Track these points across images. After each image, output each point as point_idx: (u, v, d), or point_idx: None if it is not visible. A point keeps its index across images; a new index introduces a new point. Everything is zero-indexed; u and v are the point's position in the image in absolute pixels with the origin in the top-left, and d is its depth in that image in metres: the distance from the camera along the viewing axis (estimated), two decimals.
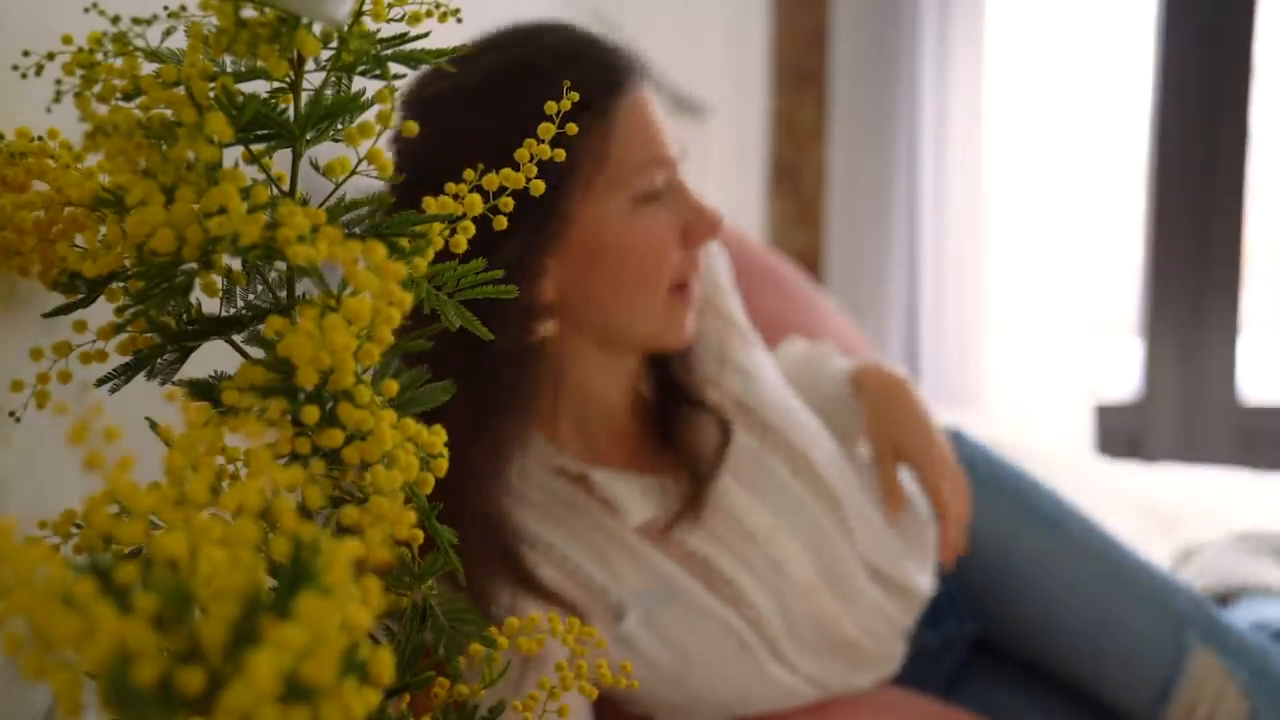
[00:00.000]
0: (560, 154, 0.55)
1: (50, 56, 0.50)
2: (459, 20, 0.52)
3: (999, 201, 2.63)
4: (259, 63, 0.47)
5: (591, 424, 0.95)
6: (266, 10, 0.47)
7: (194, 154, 0.45)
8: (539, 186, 0.54)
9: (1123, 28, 2.75)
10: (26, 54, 0.51)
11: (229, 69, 0.50)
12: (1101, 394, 2.76)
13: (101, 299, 0.51)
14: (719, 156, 2.60)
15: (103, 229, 0.49)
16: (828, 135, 2.81)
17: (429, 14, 0.51)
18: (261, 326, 0.49)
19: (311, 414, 0.42)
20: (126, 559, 0.38)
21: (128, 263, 0.48)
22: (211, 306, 0.52)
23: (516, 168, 0.53)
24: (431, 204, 0.52)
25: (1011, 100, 2.60)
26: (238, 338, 0.52)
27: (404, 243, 0.50)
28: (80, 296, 0.51)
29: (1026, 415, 2.63)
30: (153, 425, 0.46)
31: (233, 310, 0.52)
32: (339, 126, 0.51)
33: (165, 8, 0.51)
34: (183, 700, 0.32)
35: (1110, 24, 2.71)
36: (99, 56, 0.49)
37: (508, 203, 0.54)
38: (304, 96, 0.50)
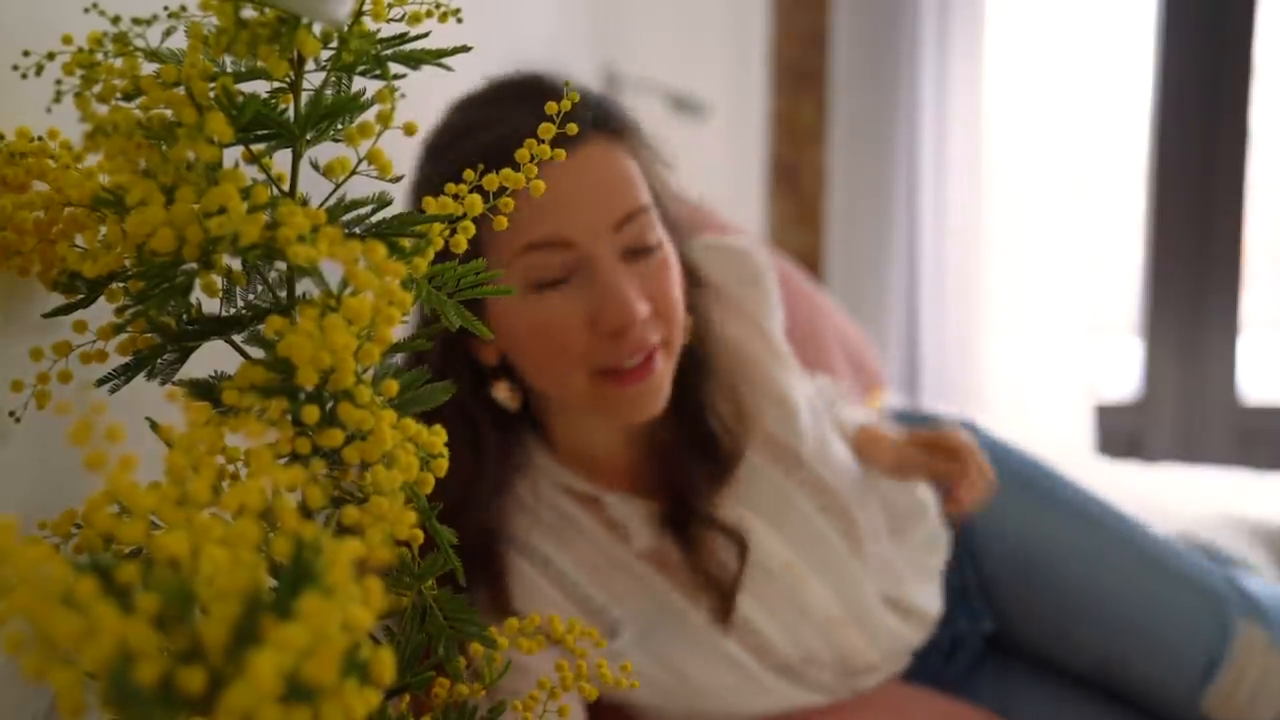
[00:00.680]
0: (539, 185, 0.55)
1: (50, 56, 0.50)
2: (459, 20, 0.52)
3: (999, 201, 2.63)
4: (259, 63, 0.47)
5: (593, 460, 0.94)
6: (266, 10, 0.47)
7: (194, 154, 0.45)
8: (539, 187, 0.54)
9: (1123, 28, 2.75)
10: (26, 54, 0.51)
11: (229, 69, 0.50)
12: (1101, 394, 2.76)
13: (101, 299, 0.51)
14: (719, 156, 2.60)
15: (103, 229, 0.49)
16: (828, 135, 2.81)
17: (429, 14, 0.51)
18: (261, 326, 0.49)
19: (311, 414, 0.42)
20: (127, 559, 0.38)
21: (128, 263, 0.48)
22: (211, 306, 0.52)
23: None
24: (431, 204, 0.52)
25: (1011, 100, 2.60)
26: (238, 338, 0.52)
27: (404, 243, 0.50)
28: (80, 296, 0.51)
29: (1026, 415, 2.63)
30: (153, 425, 0.46)
31: (233, 310, 0.52)
32: (339, 126, 0.51)
33: (165, 8, 0.51)
34: (184, 700, 0.32)
35: (1110, 24, 2.71)
36: (99, 56, 0.49)
37: (508, 203, 0.54)
38: (304, 96, 0.50)
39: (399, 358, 0.55)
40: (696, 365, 0.91)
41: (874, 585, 0.98)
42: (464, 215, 0.52)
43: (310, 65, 0.50)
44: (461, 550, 0.54)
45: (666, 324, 0.84)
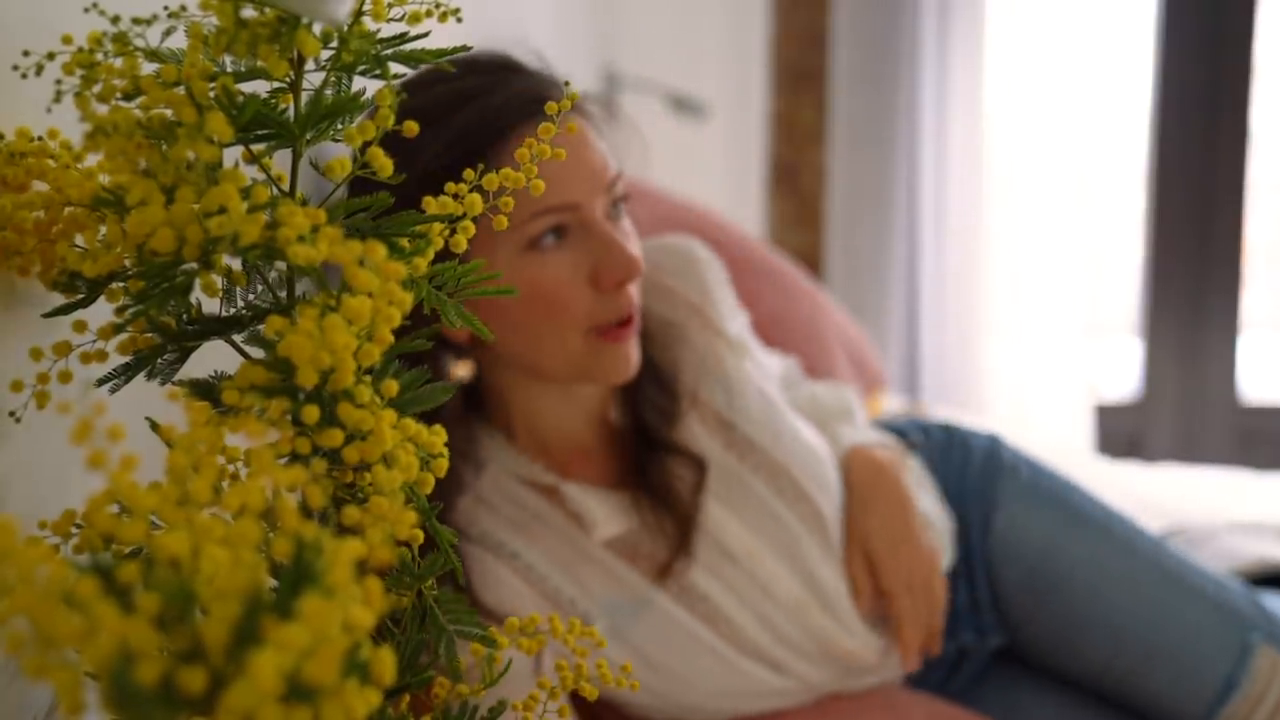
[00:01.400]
0: (561, 153, 0.55)
1: (50, 56, 0.50)
2: (459, 20, 0.52)
3: (999, 202, 2.63)
4: (259, 63, 0.47)
5: (553, 445, 0.95)
6: (266, 10, 0.47)
7: (194, 154, 0.45)
8: (539, 187, 0.54)
9: (1123, 28, 2.75)
10: (26, 54, 0.51)
11: (229, 69, 0.50)
12: (1101, 394, 2.76)
13: (101, 299, 0.51)
14: (719, 156, 2.60)
15: (103, 229, 0.49)
16: (828, 136, 2.81)
17: (429, 14, 0.51)
18: (261, 326, 0.49)
19: (312, 414, 0.42)
20: (128, 559, 0.38)
21: (128, 263, 0.48)
22: (211, 306, 0.52)
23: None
24: (431, 204, 0.52)
25: (1011, 100, 2.60)
26: (238, 338, 0.52)
27: (404, 243, 0.50)
28: (80, 296, 0.51)
29: (1026, 415, 2.63)
30: (154, 425, 0.46)
31: (233, 310, 0.52)
32: (339, 126, 0.51)
33: (165, 8, 0.51)
34: (184, 700, 0.32)
35: (1110, 24, 2.71)
36: (99, 56, 0.49)
37: (508, 202, 0.54)
38: (304, 96, 0.50)
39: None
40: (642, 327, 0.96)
41: (842, 571, 0.98)
42: (464, 215, 0.52)
43: (310, 65, 0.50)
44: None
45: (638, 285, 0.89)
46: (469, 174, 0.54)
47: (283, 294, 0.52)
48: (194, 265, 0.47)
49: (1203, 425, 2.73)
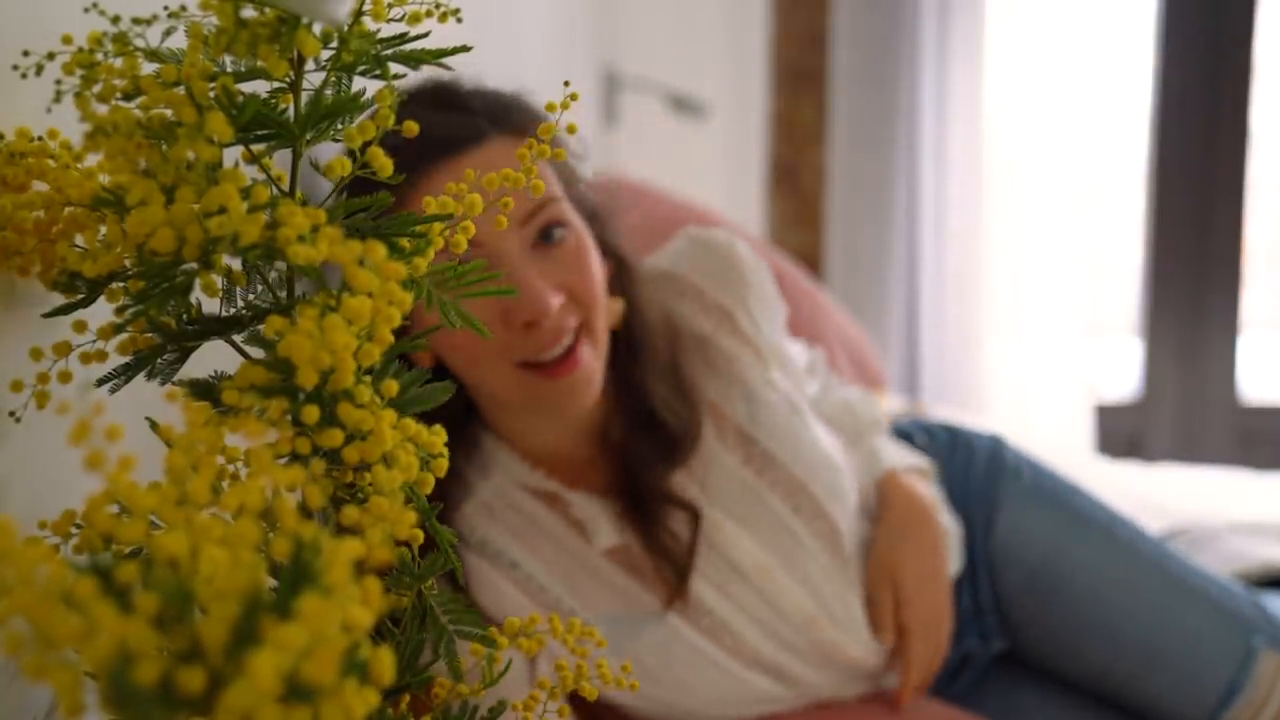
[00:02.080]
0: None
1: (50, 56, 0.50)
2: (459, 20, 0.52)
3: (999, 202, 2.63)
4: (259, 63, 0.47)
5: (552, 456, 0.94)
6: (266, 10, 0.47)
7: (194, 154, 0.45)
8: (540, 187, 0.55)
9: (1123, 28, 2.75)
10: (26, 54, 0.51)
11: (229, 69, 0.50)
12: (1101, 394, 2.76)
13: (101, 299, 0.51)
14: (719, 156, 2.60)
15: (103, 229, 0.49)
16: (828, 136, 2.81)
17: (429, 14, 0.51)
18: (261, 326, 0.49)
19: (311, 414, 0.42)
20: (127, 559, 0.38)
21: (128, 263, 0.48)
22: (211, 306, 0.52)
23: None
24: (432, 204, 0.52)
25: (1011, 101, 2.60)
26: (238, 338, 0.52)
27: (404, 243, 0.50)
28: (80, 296, 0.51)
29: (1026, 415, 2.63)
30: (153, 425, 0.46)
31: (233, 310, 0.52)
32: (339, 126, 0.51)
33: (165, 8, 0.51)
34: (183, 700, 0.32)
35: (1110, 24, 2.71)
36: (99, 56, 0.49)
37: (508, 203, 0.54)
38: (304, 96, 0.50)
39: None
40: (629, 349, 0.92)
41: (857, 587, 0.97)
42: (464, 215, 0.52)
43: (310, 65, 0.50)
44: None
45: (583, 308, 0.85)
46: (469, 174, 0.54)
47: (283, 294, 0.52)
48: (194, 265, 0.47)
49: (1203, 425, 2.73)
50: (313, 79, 0.51)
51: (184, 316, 0.51)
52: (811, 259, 2.82)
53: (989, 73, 2.61)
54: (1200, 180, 2.67)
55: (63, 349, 0.51)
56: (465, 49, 0.55)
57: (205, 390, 0.50)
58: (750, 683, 0.93)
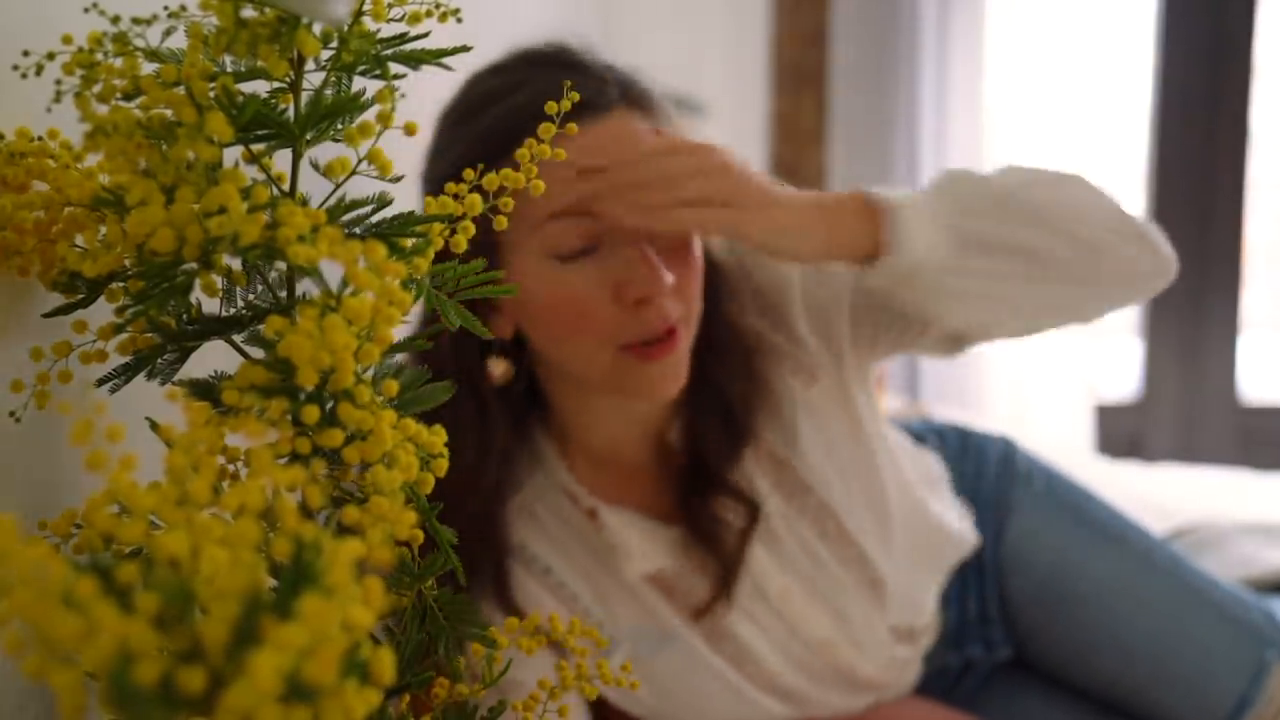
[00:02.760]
0: (560, 153, 0.55)
1: (50, 56, 0.50)
2: (459, 20, 0.52)
3: None
4: (259, 63, 0.47)
5: (605, 460, 0.92)
6: (266, 10, 0.47)
7: (194, 154, 0.44)
8: (539, 187, 0.54)
9: (1123, 28, 2.75)
10: (26, 54, 0.51)
11: (229, 69, 0.50)
12: (1101, 394, 2.76)
13: (101, 299, 0.51)
14: None
15: (103, 229, 0.49)
16: (828, 136, 2.81)
17: (429, 14, 0.51)
18: (261, 326, 0.49)
19: (312, 414, 0.42)
20: (127, 559, 0.38)
21: (128, 263, 0.48)
22: (211, 306, 0.52)
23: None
24: (432, 204, 0.52)
25: (1011, 100, 2.60)
26: (238, 338, 0.52)
27: (404, 242, 0.50)
28: (80, 296, 0.51)
29: (1026, 415, 2.63)
30: (153, 425, 0.46)
31: (233, 310, 0.52)
32: (339, 126, 0.51)
33: (165, 8, 0.51)
34: (184, 700, 0.32)
35: (1110, 24, 2.71)
36: (99, 56, 0.49)
37: (508, 202, 0.54)
38: (304, 96, 0.50)
39: (403, 355, 0.55)
40: (706, 342, 0.89)
41: (883, 615, 0.95)
42: (464, 215, 0.52)
43: (310, 65, 0.50)
44: (463, 548, 0.54)
45: (685, 302, 0.82)
46: (469, 174, 0.54)
47: (283, 294, 0.52)
48: (194, 265, 0.47)
49: (1203, 425, 2.73)
50: (313, 79, 0.51)
51: (184, 316, 0.51)
52: None
53: (989, 73, 2.61)
54: (1200, 180, 2.67)
55: (63, 349, 0.51)
56: (465, 49, 0.55)
57: (205, 390, 0.50)
58: (761, 705, 0.93)
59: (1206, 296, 2.68)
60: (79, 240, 0.51)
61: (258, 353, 0.49)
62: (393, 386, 0.47)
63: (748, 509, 0.90)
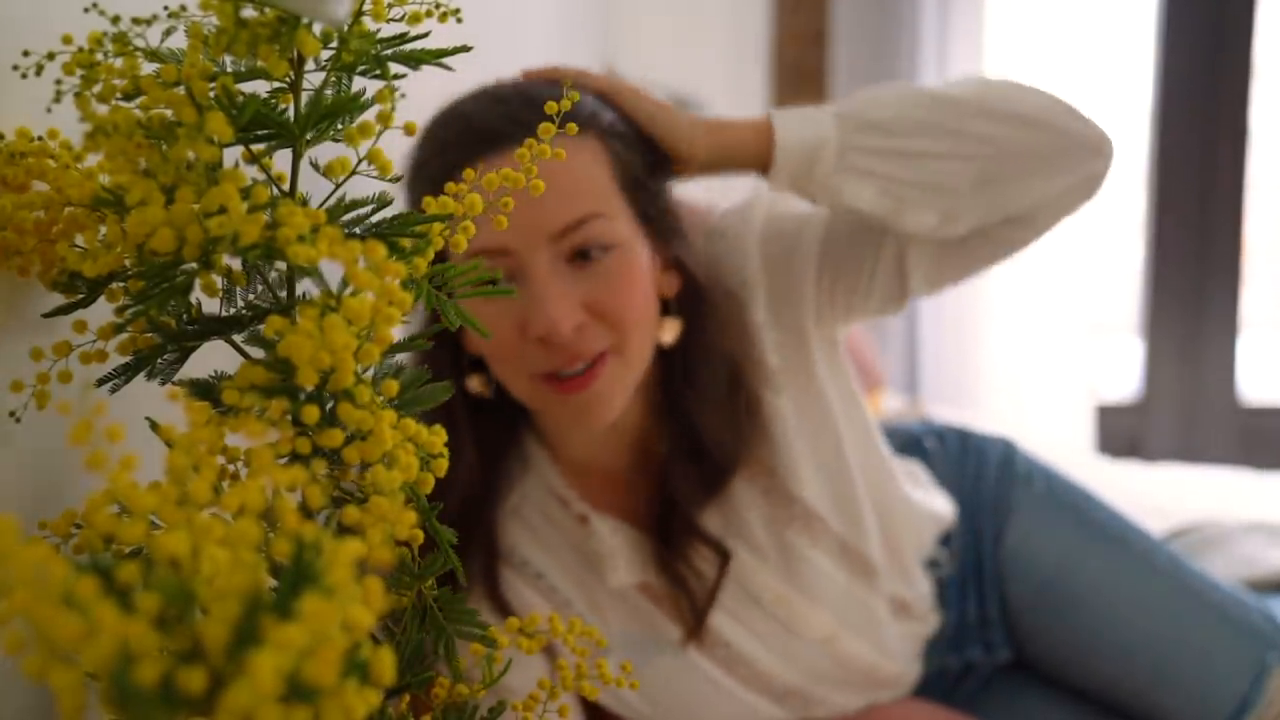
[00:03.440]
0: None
1: (50, 56, 0.50)
2: (459, 20, 0.52)
3: None
4: (259, 63, 0.47)
5: (585, 468, 0.92)
6: (266, 10, 0.47)
7: (194, 154, 0.44)
8: (539, 187, 0.54)
9: (1123, 27, 2.75)
10: (26, 54, 0.51)
11: (229, 69, 0.50)
12: (1101, 394, 2.76)
13: (101, 299, 0.51)
14: None
15: (103, 229, 0.49)
16: None
17: (429, 14, 0.51)
18: (261, 326, 0.49)
19: (312, 414, 0.42)
20: (127, 559, 0.38)
21: (128, 263, 0.48)
22: (211, 306, 0.52)
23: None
24: (431, 204, 0.52)
25: None
26: (238, 338, 0.52)
27: (404, 243, 0.50)
28: (80, 296, 0.51)
29: (1026, 415, 2.63)
30: (153, 425, 0.46)
31: (233, 310, 0.52)
32: (339, 126, 0.51)
33: (165, 8, 0.51)
34: (184, 700, 0.32)
35: (1110, 23, 2.71)
36: (99, 56, 0.49)
37: (508, 203, 0.54)
38: (304, 96, 0.50)
39: (401, 355, 0.55)
40: (683, 371, 0.88)
41: (879, 595, 0.95)
42: (464, 215, 0.52)
43: (310, 65, 0.50)
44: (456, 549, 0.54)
45: (615, 330, 0.81)
46: (469, 173, 0.54)
47: (283, 294, 0.52)
48: (194, 265, 0.47)
49: (1203, 425, 2.73)
50: (313, 79, 0.51)
51: (184, 316, 0.51)
52: None
53: (989, 72, 2.61)
54: (1200, 180, 2.67)
55: (63, 349, 0.51)
56: (465, 49, 0.55)
57: (205, 390, 0.50)
58: (757, 708, 0.93)
59: (1206, 296, 2.68)
60: (79, 240, 0.51)
61: (258, 353, 0.49)
62: (393, 386, 0.47)
63: (717, 555, 0.90)
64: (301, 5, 0.46)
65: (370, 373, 0.48)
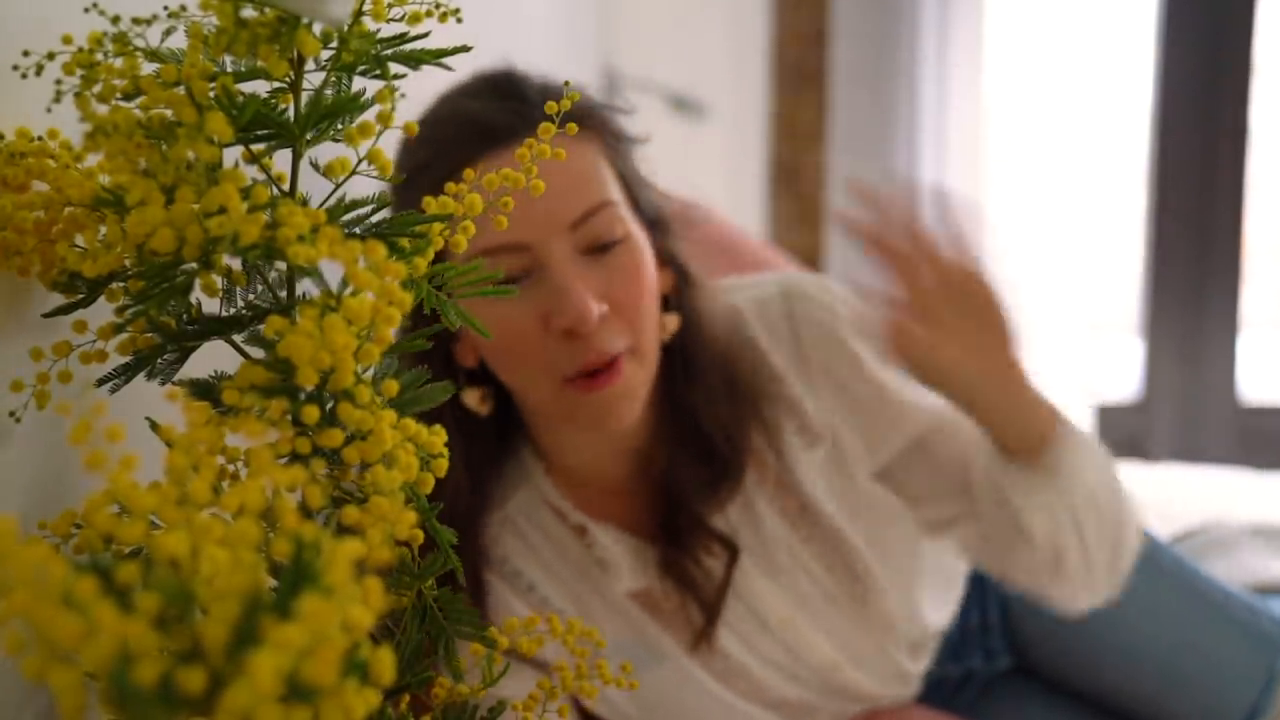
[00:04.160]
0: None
1: (50, 56, 0.50)
2: (459, 20, 0.52)
3: (999, 201, 2.63)
4: (259, 63, 0.47)
5: (583, 479, 0.90)
6: (266, 10, 0.47)
7: (194, 154, 0.45)
8: (539, 187, 0.54)
9: (1123, 27, 2.75)
10: (26, 54, 0.51)
11: (229, 69, 0.50)
12: (1101, 394, 2.76)
13: (101, 299, 0.51)
14: (719, 156, 2.60)
15: (103, 229, 0.49)
16: (828, 135, 2.81)
17: (429, 14, 0.51)
18: (261, 326, 0.49)
19: (312, 414, 0.42)
20: (127, 559, 0.38)
21: (128, 263, 0.48)
22: (211, 306, 0.52)
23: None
24: (431, 204, 0.52)
25: (1011, 100, 2.61)
26: (238, 338, 0.52)
27: (404, 243, 0.50)
28: (80, 296, 0.51)
29: None
30: (153, 425, 0.46)
31: (233, 310, 0.52)
32: (339, 126, 0.51)
33: (165, 8, 0.51)
34: (184, 700, 0.32)
35: (1110, 23, 2.71)
36: (99, 56, 0.49)
37: (508, 203, 0.54)
38: (304, 96, 0.50)
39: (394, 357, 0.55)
40: (683, 366, 0.86)
41: (893, 636, 0.93)
42: (464, 215, 0.52)
43: (310, 65, 0.50)
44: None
45: (630, 326, 0.79)
46: (469, 173, 0.54)
47: (283, 294, 0.52)
48: (194, 265, 0.47)
49: (1203, 425, 2.73)
50: (313, 79, 0.51)
51: (184, 316, 0.51)
52: (812, 259, 2.82)
53: (989, 72, 2.61)
54: (1200, 180, 2.67)
55: (63, 349, 0.51)
56: (465, 49, 0.55)
57: (205, 390, 0.50)
58: (753, 718, 0.92)
59: (1206, 296, 2.68)
60: (79, 240, 0.51)
61: (258, 353, 0.49)
62: (393, 386, 0.47)
63: (727, 550, 0.88)
64: (301, 5, 0.46)
65: (370, 373, 0.48)
